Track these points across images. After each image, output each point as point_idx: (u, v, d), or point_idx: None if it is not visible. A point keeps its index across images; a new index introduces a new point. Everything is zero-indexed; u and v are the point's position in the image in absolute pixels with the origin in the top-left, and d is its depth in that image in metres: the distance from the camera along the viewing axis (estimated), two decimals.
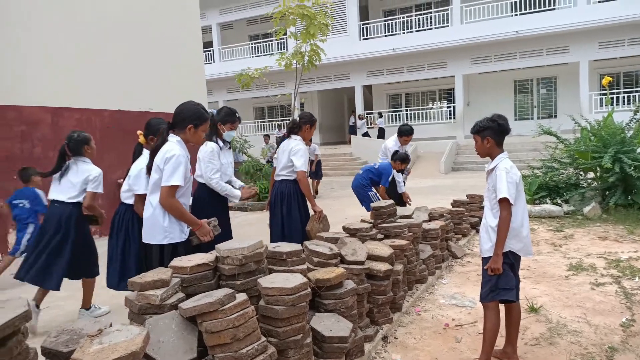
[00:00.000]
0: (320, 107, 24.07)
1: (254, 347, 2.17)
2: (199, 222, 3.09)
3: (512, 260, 2.88)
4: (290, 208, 4.43)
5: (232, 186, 4.17)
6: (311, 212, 4.54)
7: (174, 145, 3.03)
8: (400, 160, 6.17)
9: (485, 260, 2.91)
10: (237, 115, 4.28)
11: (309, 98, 23.12)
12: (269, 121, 24.41)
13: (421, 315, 3.89)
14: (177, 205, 2.98)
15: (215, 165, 3.98)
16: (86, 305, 4.24)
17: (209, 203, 4.00)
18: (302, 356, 2.44)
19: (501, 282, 2.84)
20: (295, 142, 4.48)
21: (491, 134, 2.90)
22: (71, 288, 5.04)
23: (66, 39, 7.36)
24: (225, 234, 3.87)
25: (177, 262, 2.60)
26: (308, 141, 4.67)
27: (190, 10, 10.19)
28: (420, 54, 19.11)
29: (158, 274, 2.39)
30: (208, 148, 4.01)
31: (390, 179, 6.13)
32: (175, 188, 2.96)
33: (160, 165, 2.97)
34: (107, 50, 8.01)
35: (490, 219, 2.90)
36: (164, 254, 3.03)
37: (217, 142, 4.10)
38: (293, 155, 4.40)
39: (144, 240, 3.11)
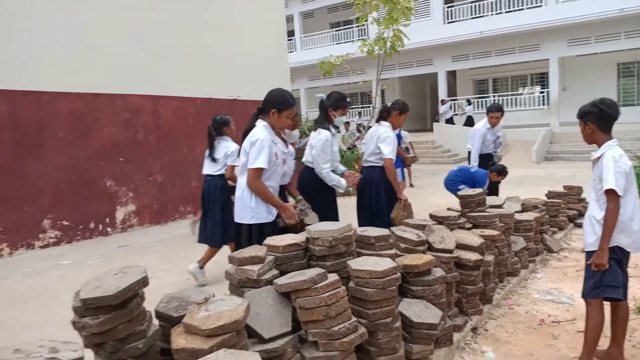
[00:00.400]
0: (401, 93, 23.60)
1: (345, 325, 2.20)
2: (284, 205, 3.19)
3: (619, 256, 2.66)
4: (378, 194, 4.39)
5: (336, 172, 4.15)
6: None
7: (260, 130, 3.16)
8: (497, 172, 5.87)
9: (589, 254, 2.72)
10: (348, 100, 4.25)
11: (390, 85, 22.76)
12: (350, 108, 24.42)
13: (514, 309, 3.73)
14: (262, 188, 3.11)
15: (327, 155, 3.95)
16: (202, 263, 4.67)
17: (316, 186, 4.04)
18: (391, 339, 2.44)
19: (606, 278, 2.63)
20: (384, 129, 4.42)
21: (593, 120, 2.70)
22: (172, 261, 5.46)
23: (162, 32, 7.86)
24: (332, 216, 3.95)
25: (271, 241, 2.71)
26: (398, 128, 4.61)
27: (275, 1, 10.43)
28: (510, 37, 17.99)
29: (254, 250, 2.52)
30: (322, 137, 3.98)
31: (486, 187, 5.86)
32: (259, 170, 3.08)
33: (247, 149, 3.12)
34: (200, 42, 8.44)
35: (595, 210, 2.71)
36: (252, 233, 3.19)
37: (329, 129, 4.07)
38: (381, 142, 4.34)
39: (235, 220, 3.28)
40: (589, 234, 2.74)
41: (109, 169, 7.13)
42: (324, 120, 4.12)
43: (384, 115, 4.55)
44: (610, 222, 2.56)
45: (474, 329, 3.31)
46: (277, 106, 3.19)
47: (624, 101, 18.34)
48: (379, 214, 4.35)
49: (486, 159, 6.37)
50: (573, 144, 15.75)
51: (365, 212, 4.46)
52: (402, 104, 4.56)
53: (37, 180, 6.29)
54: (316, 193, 3.96)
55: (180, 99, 8.15)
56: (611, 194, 2.55)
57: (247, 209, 3.18)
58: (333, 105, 4.13)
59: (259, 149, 3.06)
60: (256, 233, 3.19)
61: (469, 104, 19.74)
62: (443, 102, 19.82)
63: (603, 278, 2.64)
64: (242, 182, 3.22)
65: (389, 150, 4.30)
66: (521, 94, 20.22)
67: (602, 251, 2.58)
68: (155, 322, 2.12)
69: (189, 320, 1.82)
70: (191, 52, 8.28)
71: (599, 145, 2.73)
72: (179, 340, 1.78)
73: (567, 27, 16.76)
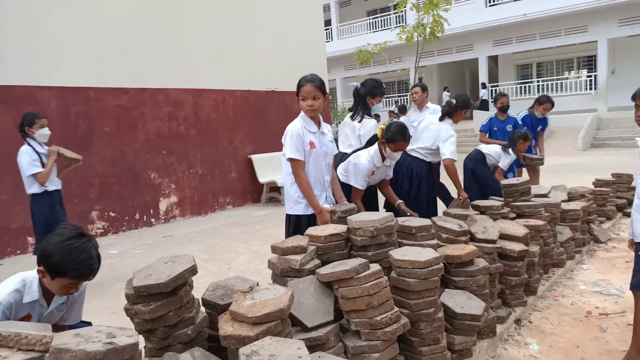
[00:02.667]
0: (439, 81, 23.15)
1: (388, 315, 2.21)
2: (320, 207, 3.12)
3: None
4: (420, 187, 4.29)
5: None
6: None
7: (293, 121, 3.20)
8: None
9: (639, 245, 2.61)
10: (383, 88, 4.27)
11: (427, 72, 22.33)
12: (386, 98, 24.13)
13: (559, 300, 3.63)
14: (302, 182, 3.10)
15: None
16: None
17: None
18: (433, 330, 2.44)
19: None
20: (445, 127, 4.26)
21: None
22: (213, 251, 5.61)
23: (201, 27, 8.00)
24: (374, 205, 4.05)
25: (312, 231, 2.74)
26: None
27: None
28: (556, 19, 17.22)
29: (296, 240, 2.55)
30: (372, 125, 4.13)
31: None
32: (293, 161, 3.09)
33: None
34: (238, 35, 8.54)
35: None
36: (290, 223, 3.27)
37: (372, 117, 4.17)
38: (442, 142, 4.20)
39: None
40: (638, 224, 2.61)
41: (153, 162, 7.37)
42: (364, 109, 4.17)
43: (450, 114, 4.37)
44: None
45: (518, 321, 3.25)
46: (296, 92, 3.15)
47: None
48: (419, 207, 4.19)
49: None
50: (622, 129, 15.00)
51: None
52: (466, 100, 4.40)
53: (85, 173, 6.58)
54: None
55: (219, 91, 8.29)
56: None
57: (289, 199, 3.25)
58: (371, 93, 4.19)
59: (286, 140, 3.11)
60: (294, 224, 3.24)
61: (484, 87, 19.12)
62: (484, 85, 19.29)
63: None
64: (285, 174, 3.26)
65: (450, 151, 4.17)
66: (567, 78, 19.39)
67: None
68: (202, 309, 2.19)
69: (235, 308, 1.87)
70: (229, 45, 8.40)
71: None
72: (226, 327, 1.84)
73: (618, 5, 15.88)
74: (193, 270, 1.94)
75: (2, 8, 5.87)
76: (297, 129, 3.11)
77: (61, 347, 1.42)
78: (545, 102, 6.20)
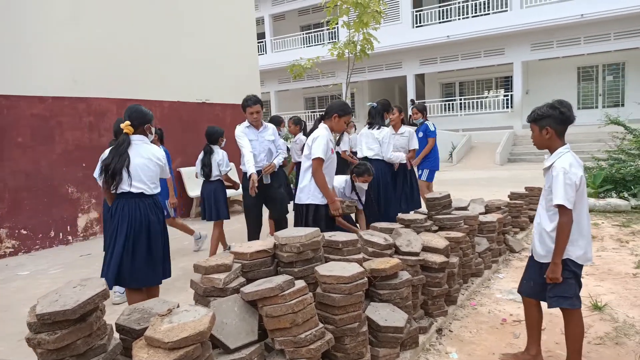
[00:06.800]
0: (370, 97, 23.82)
1: (312, 332, 2.21)
2: (334, 199, 3.92)
3: (572, 268, 2.58)
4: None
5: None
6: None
7: (321, 130, 3.95)
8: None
9: (544, 263, 2.65)
10: (392, 107, 5.71)
11: (359, 88, 22.94)
12: (320, 111, 24.45)
13: (477, 309, 3.82)
14: (321, 178, 3.82)
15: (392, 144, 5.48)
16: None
17: (388, 175, 5.46)
18: (358, 344, 2.47)
19: (559, 290, 2.59)
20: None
21: (552, 123, 2.54)
22: None
23: (127, 35, 7.70)
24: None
25: (238, 248, 2.69)
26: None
27: (245, 3, 10.36)
28: (476, 41, 18.45)
29: (221, 258, 2.50)
30: (386, 132, 5.32)
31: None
32: (319, 160, 3.80)
33: (310, 144, 3.89)
34: (166, 44, 8.30)
35: (545, 221, 2.62)
36: (309, 212, 3.94)
37: (385, 126, 5.43)
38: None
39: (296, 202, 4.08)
40: (538, 246, 2.67)
41: (71, 175, 6.92)
42: (381, 120, 5.39)
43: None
44: (562, 236, 2.48)
45: (439, 331, 3.38)
46: (339, 112, 3.92)
47: (584, 104, 19.07)
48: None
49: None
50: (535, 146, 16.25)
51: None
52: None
53: None
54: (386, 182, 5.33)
55: (146, 102, 7.98)
56: (562, 209, 2.47)
57: (306, 190, 3.89)
58: (386, 110, 5.46)
59: (318, 143, 3.78)
60: (312, 213, 3.86)
61: (413, 103, 20.11)
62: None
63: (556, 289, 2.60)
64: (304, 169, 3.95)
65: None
66: (486, 97, 20.73)
67: (556, 265, 2.52)
68: (117, 335, 2.07)
69: (151, 333, 1.79)
70: (159, 55, 8.14)
71: (552, 151, 2.62)
72: (141, 354, 1.75)
73: (531, 31, 17.32)
74: (104, 295, 1.82)
75: None
76: (326, 135, 3.86)
77: None
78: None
